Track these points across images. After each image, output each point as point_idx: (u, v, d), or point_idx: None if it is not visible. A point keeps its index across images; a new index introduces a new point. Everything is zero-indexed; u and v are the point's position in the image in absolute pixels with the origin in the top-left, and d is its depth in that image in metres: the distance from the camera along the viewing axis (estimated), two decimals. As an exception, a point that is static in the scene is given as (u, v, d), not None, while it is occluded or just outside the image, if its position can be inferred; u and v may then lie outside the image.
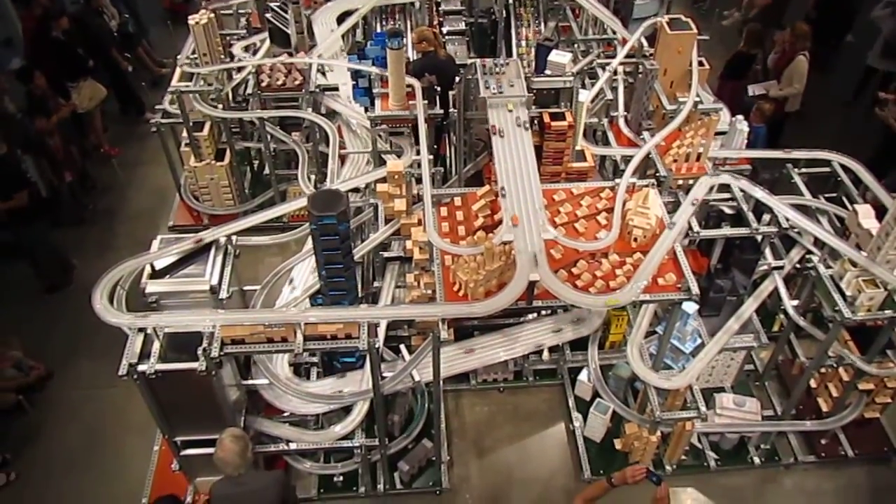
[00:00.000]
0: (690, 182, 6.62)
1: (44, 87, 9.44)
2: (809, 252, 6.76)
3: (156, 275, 5.71)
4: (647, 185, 6.32)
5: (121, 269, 5.53)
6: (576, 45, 8.96)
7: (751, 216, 6.59)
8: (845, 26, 12.15)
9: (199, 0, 9.49)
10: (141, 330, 5.35)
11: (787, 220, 6.36)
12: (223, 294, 5.67)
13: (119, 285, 5.47)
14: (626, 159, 6.96)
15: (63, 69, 10.24)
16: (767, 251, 6.92)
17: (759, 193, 6.42)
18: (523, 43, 9.15)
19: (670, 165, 6.89)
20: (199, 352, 5.20)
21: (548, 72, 7.25)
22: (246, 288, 6.51)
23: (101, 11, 11.38)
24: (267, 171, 9.16)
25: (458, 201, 6.34)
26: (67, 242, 9.24)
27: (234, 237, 6.01)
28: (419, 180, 6.32)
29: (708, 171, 6.78)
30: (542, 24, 9.07)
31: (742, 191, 6.59)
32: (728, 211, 6.92)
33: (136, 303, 5.54)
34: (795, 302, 6.78)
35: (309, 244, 6.31)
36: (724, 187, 6.71)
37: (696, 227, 6.46)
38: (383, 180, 6.36)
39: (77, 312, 6.47)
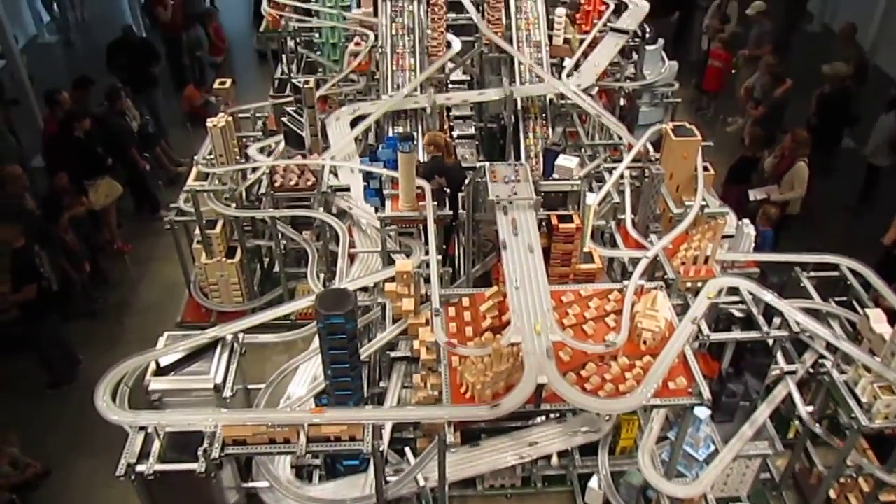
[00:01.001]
0: (699, 285, 6.59)
1: (65, 186, 9.67)
2: (822, 357, 6.64)
3: (160, 372, 5.65)
4: (655, 288, 6.30)
5: (125, 367, 5.48)
6: (583, 150, 9.15)
7: (761, 320, 6.52)
8: (841, 132, 12.42)
9: (219, 104, 9.79)
10: (142, 428, 5.24)
11: (798, 323, 6.28)
12: (227, 392, 5.59)
13: (123, 382, 5.41)
14: (634, 261, 6.95)
15: (82, 167, 10.49)
16: (779, 355, 6.81)
17: (769, 297, 6.37)
18: (530, 135, 9.35)
19: (678, 268, 6.88)
20: (200, 452, 5.08)
21: (555, 175, 7.38)
22: (251, 386, 6.42)
23: (123, 113, 11.76)
24: (277, 268, 9.21)
25: (466, 302, 6.32)
26: (77, 336, 9.21)
27: (241, 335, 5.97)
28: (427, 280, 6.33)
29: (716, 274, 6.77)
30: (550, 129, 9.29)
31: (751, 294, 6.55)
32: (738, 314, 6.87)
33: (140, 400, 5.46)
34: (810, 408, 6.61)
35: (316, 343, 6.26)
36: (733, 290, 6.68)
37: (706, 331, 6.39)
38: (392, 280, 6.36)
39: (79, 408, 6.37)
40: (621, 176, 7.87)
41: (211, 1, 19.52)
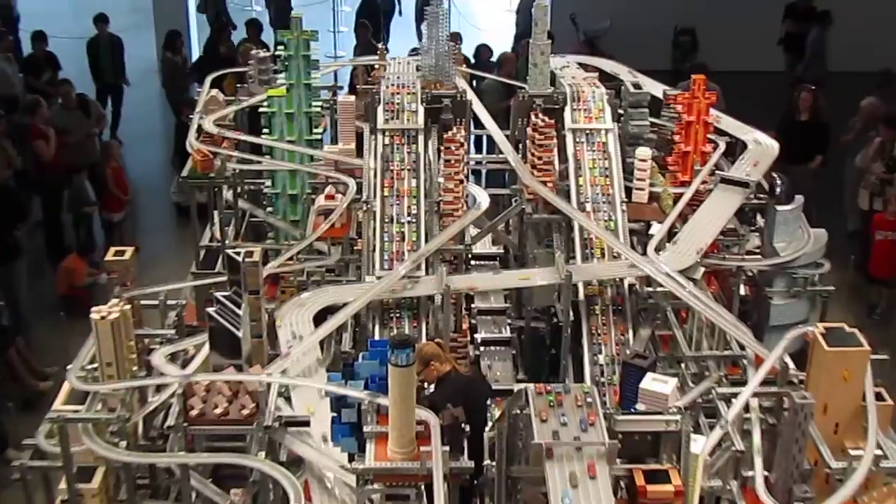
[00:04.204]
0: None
1: None
2: None
3: None
4: None
5: None
6: (683, 365, 9.13)
7: None
8: None
9: (111, 284, 9.94)
10: None
11: None
12: None
13: None
14: (772, 548, 6.76)
15: None
16: None
17: None
18: (601, 358, 9.36)
19: (845, 562, 6.66)
20: None
21: (640, 406, 7.30)
22: None
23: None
24: (187, 551, 8.96)
25: None
26: None
27: None
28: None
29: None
30: (631, 333, 9.33)
31: None
32: None
33: None
34: None
35: None
36: None
37: None
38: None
39: None
40: (746, 408, 7.80)
41: (112, 130, 20.54)
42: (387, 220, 9.80)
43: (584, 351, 9.36)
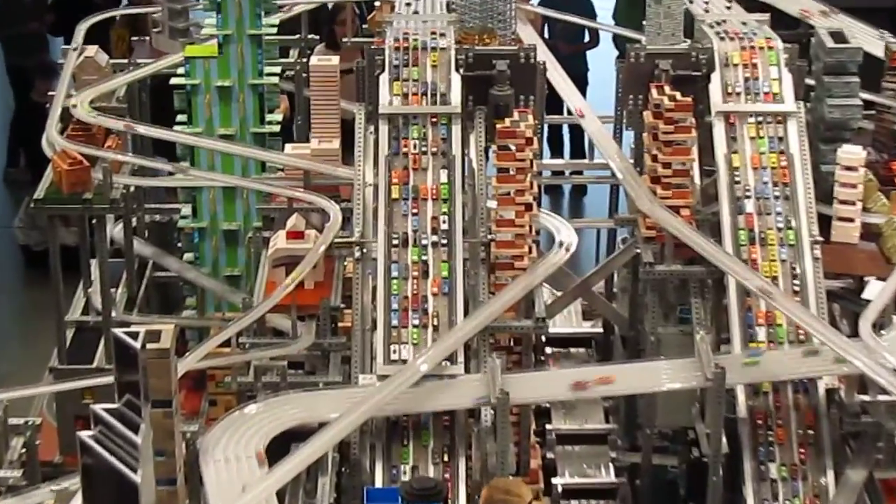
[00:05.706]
0: None
1: None
2: None
3: None
4: None
5: None
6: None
7: None
8: None
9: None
10: None
11: None
12: None
13: None
14: None
15: None
16: None
17: None
18: (773, 469, 9.31)
19: None
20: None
21: None
22: None
23: None
24: None
25: None
26: None
27: None
28: None
29: None
30: (831, 473, 9.25)
31: None
32: None
33: None
34: None
35: None
36: None
37: None
38: None
39: None
40: None
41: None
42: (395, 241, 9.77)
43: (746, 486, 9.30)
